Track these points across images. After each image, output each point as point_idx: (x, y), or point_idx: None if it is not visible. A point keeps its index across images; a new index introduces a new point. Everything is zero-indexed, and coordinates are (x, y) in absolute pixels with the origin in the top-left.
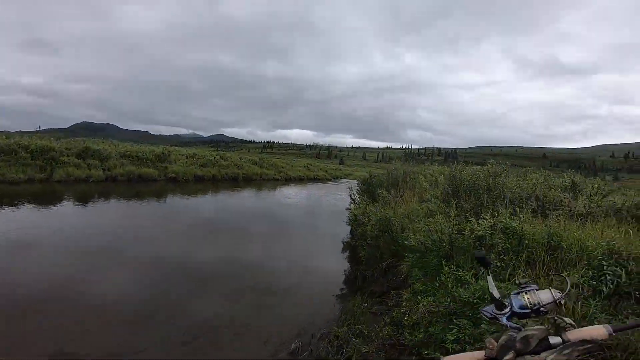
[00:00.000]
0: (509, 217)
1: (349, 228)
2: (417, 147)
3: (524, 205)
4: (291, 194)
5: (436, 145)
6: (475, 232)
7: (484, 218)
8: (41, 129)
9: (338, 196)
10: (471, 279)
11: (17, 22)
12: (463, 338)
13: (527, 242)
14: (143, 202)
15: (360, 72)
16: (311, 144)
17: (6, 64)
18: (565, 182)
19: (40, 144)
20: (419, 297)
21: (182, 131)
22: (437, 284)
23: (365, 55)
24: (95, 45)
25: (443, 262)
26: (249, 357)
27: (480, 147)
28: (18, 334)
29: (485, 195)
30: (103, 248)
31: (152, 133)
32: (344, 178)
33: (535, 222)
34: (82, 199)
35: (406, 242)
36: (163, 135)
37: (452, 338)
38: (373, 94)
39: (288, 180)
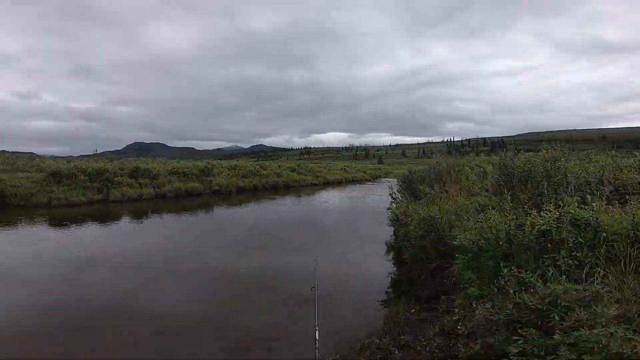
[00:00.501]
0: (577, 207)
1: (391, 229)
2: (459, 139)
3: (594, 192)
4: (330, 198)
5: (480, 136)
6: (538, 227)
7: (546, 210)
8: (98, 152)
9: (378, 196)
10: (537, 281)
11: (63, 51)
12: (530, 350)
13: (604, 234)
14: (191, 216)
15: (387, 71)
16: (347, 146)
17: (59, 92)
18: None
19: (96, 167)
20: (474, 303)
21: (224, 144)
22: (495, 289)
23: (389, 54)
24: (134, 69)
25: (501, 264)
26: None
27: (529, 134)
28: (85, 344)
29: (545, 183)
30: (157, 262)
31: (196, 149)
32: (384, 177)
33: (612, 211)
34: (136, 217)
35: (455, 242)
36: (207, 150)
37: (517, 350)
38: (404, 91)
39: (326, 184)
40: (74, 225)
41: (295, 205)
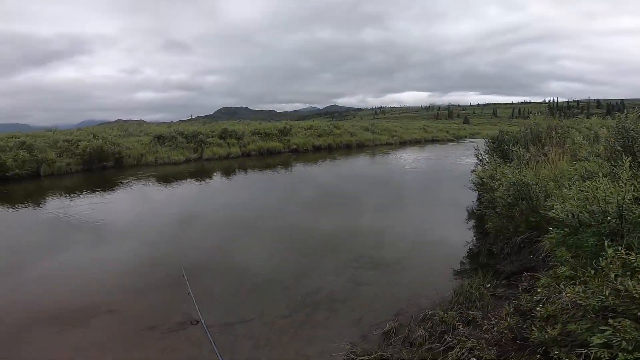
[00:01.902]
0: None
1: (474, 194)
2: (564, 100)
3: None
4: (406, 158)
5: (592, 97)
6: None
7: None
8: (193, 116)
9: (462, 158)
10: None
11: (153, 29)
12: (618, 343)
13: None
14: (271, 174)
15: (473, 28)
16: (427, 105)
17: (157, 66)
18: None
19: (191, 130)
20: (562, 285)
21: (300, 106)
22: (593, 270)
23: (476, 10)
24: (216, 40)
25: (606, 242)
26: (338, 334)
27: None
28: (176, 296)
29: None
30: (240, 219)
31: (276, 111)
32: (470, 138)
33: None
34: (225, 174)
35: (551, 213)
36: (285, 111)
37: (600, 341)
38: (495, 48)
39: (403, 144)
40: (175, 182)
41: (369, 165)
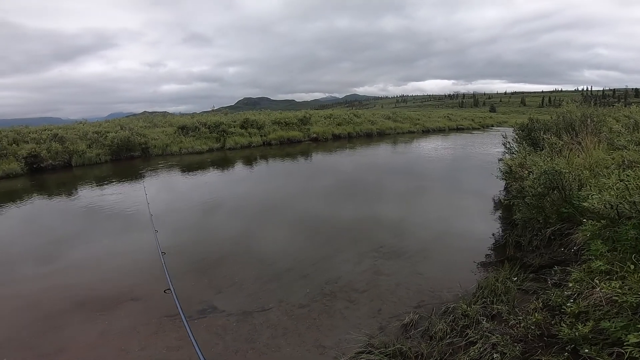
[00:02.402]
0: None
1: (501, 183)
2: (599, 88)
3: None
4: (429, 146)
5: (629, 86)
6: None
7: None
8: (215, 107)
9: (488, 146)
10: None
11: (174, 22)
12: None
13: None
14: (291, 162)
15: (499, 15)
16: (451, 94)
17: (179, 59)
18: None
19: (213, 120)
20: (597, 280)
21: (320, 95)
22: (632, 265)
23: None
24: (235, 32)
25: None
26: (356, 325)
27: None
28: (199, 283)
29: None
30: (262, 207)
31: (296, 100)
32: (497, 126)
33: None
34: (247, 162)
35: (586, 204)
36: (305, 101)
37: (637, 340)
38: (523, 35)
39: (426, 133)
40: (199, 171)
41: (390, 153)
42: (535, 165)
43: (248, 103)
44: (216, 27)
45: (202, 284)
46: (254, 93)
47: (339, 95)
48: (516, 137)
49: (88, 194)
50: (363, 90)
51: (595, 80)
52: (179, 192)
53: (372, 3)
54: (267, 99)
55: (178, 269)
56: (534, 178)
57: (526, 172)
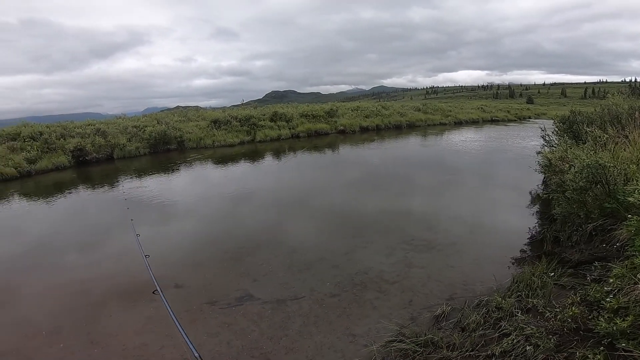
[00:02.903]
0: None
1: (539, 177)
2: None
3: None
4: (462, 138)
5: None
6: None
7: None
8: (244, 101)
9: (525, 139)
10: None
11: (201, 17)
12: None
13: None
14: (320, 155)
15: (536, 4)
16: (485, 84)
17: (208, 53)
18: None
19: (244, 114)
20: (639, 275)
21: (346, 88)
22: None
23: None
24: (260, 25)
25: None
26: (386, 315)
27: None
28: (212, 275)
29: None
30: (291, 199)
31: (322, 93)
32: (535, 118)
33: None
34: (277, 155)
35: (631, 199)
36: (331, 93)
37: None
38: (563, 25)
39: (458, 124)
40: (230, 163)
41: (421, 145)
42: (577, 158)
43: (275, 96)
44: (241, 22)
45: (239, 271)
46: (280, 86)
47: (366, 87)
48: (556, 129)
49: (128, 185)
50: (390, 81)
51: None
52: (213, 183)
53: None
54: (294, 92)
55: (216, 256)
56: (576, 172)
57: (567, 165)
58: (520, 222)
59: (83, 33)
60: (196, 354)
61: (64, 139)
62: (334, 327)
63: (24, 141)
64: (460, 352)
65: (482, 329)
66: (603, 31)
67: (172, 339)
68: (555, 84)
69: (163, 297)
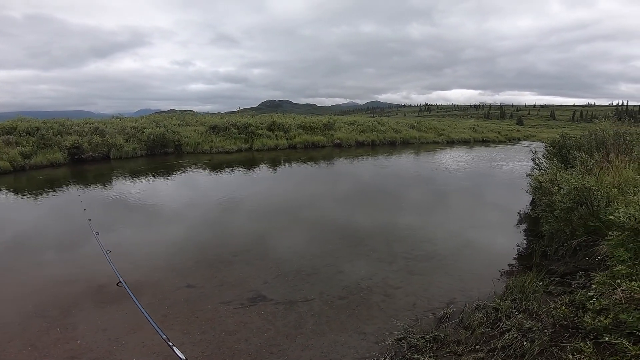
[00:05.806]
0: None
1: (527, 198)
2: (635, 103)
3: None
4: (454, 158)
5: None
6: None
7: None
8: (240, 108)
9: (514, 161)
10: None
11: (204, 23)
12: None
13: None
14: (315, 166)
15: (533, 24)
16: (477, 104)
17: (207, 59)
18: None
19: (243, 121)
20: (618, 281)
21: (341, 101)
22: None
23: (537, 5)
24: (262, 34)
25: None
26: (393, 316)
27: None
28: (223, 276)
29: None
30: (283, 209)
31: (317, 105)
32: (524, 140)
33: None
34: (273, 165)
35: (612, 217)
36: (326, 105)
37: None
38: (558, 46)
39: (450, 143)
40: (226, 170)
41: (415, 163)
42: (566, 182)
43: (270, 105)
44: (244, 29)
45: (249, 273)
46: (276, 95)
47: (361, 102)
48: (546, 152)
49: (128, 186)
50: (385, 97)
51: (632, 94)
52: (204, 189)
53: (399, 9)
54: (289, 102)
55: (223, 258)
56: (564, 193)
57: (556, 187)
58: (510, 238)
59: (87, 31)
60: (164, 336)
61: (61, 136)
62: (345, 326)
63: (20, 135)
64: (465, 346)
65: (483, 327)
66: (596, 53)
67: (191, 336)
68: (545, 105)
69: (127, 287)
